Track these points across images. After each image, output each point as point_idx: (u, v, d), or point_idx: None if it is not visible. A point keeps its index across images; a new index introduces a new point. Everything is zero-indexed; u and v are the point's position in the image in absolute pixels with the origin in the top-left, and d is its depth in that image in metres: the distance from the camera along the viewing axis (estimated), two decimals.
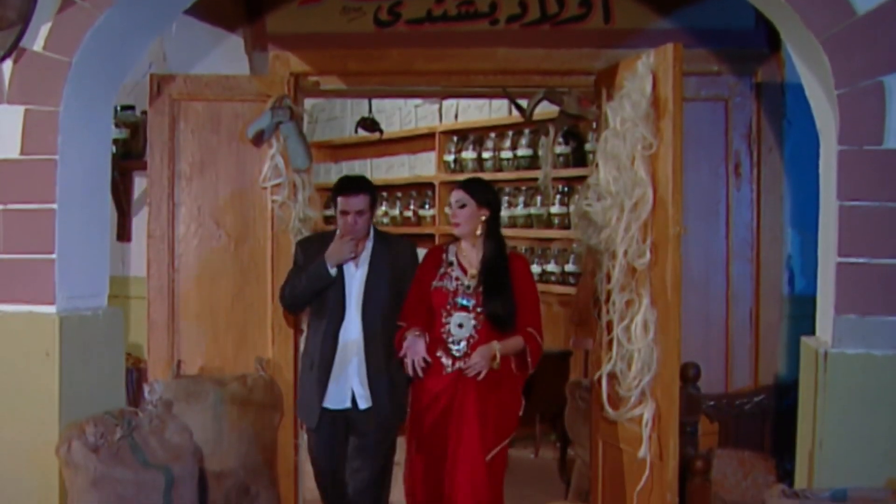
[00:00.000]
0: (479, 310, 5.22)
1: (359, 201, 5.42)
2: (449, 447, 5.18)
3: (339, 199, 5.44)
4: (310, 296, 5.52)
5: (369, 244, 5.53)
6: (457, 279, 5.30)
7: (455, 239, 5.43)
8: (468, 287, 5.26)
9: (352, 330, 5.47)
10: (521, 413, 5.39)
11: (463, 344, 5.21)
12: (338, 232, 5.49)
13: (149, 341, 6.10)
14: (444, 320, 5.26)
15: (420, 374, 5.16)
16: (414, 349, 5.15)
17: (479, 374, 5.09)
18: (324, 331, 5.46)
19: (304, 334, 5.77)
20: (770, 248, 5.90)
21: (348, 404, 5.45)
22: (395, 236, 5.91)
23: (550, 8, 6.00)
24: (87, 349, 4.87)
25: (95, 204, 5.07)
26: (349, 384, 5.45)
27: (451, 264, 5.35)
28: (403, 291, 5.43)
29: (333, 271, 5.43)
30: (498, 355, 5.10)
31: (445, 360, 5.23)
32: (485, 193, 5.36)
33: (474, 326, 5.22)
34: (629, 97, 5.12)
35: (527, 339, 5.22)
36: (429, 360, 5.17)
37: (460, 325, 5.23)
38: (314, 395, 5.45)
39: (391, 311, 5.42)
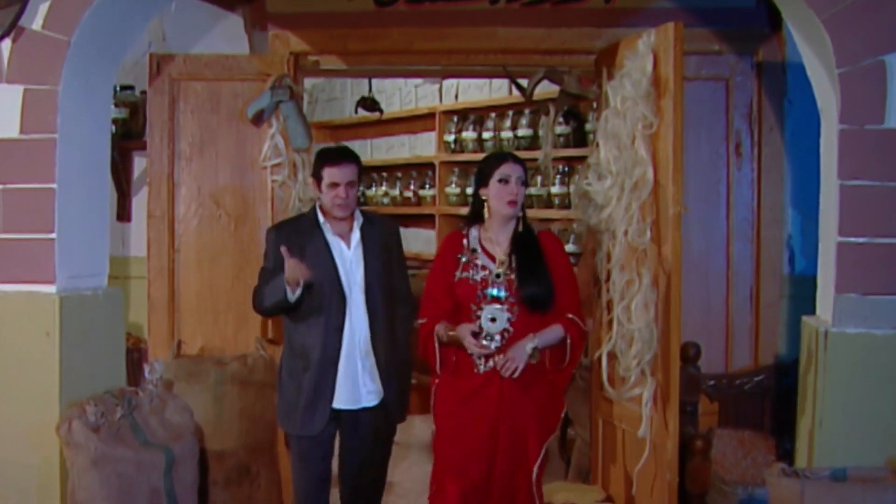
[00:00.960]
0: (512, 300, 4.69)
1: (350, 171, 4.99)
2: (486, 461, 4.73)
3: (328, 171, 4.98)
4: (279, 313, 5.13)
5: (357, 223, 5.09)
6: (483, 268, 4.75)
7: (472, 223, 4.89)
8: (498, 276, 4.72)
9: (357, 320, 5.02)
10: (562, 415, 4.98)
11: (497, 339, 4.68)
12: (316, 211, 5.08)
13: (149, 321, 6.11)
14: (473, 315, 4.72)
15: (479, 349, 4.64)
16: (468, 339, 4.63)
17: (514, 371, 4.61)
18: (324, 325, 4.98)
19: (288, 330, 5.14)
20: (770, 227, 5.91)
21: (364, 403, 5.04)
22: (379, 214, 5.54)
23: None
24: (87, 329, 4.87)
25: (95, 183, 5.07)
26: (360, 380, 5.04)
27: (474, 251, 4.80)
28: (394, 274, 5.14)
29: (294, 296, 4.85)
30: (537, 347, 4.65)
31: (477, 359, 4.73)
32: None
33: (508, 319, 4.69)
34: (630, 76, 5.11)
35: (567, 327, 4.73)
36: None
37: (493, 319, 4.67)
38: (317, 400, 4.99)
39: (390, 295, 5.08)
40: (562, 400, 4.93)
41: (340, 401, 5.01)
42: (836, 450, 4.21)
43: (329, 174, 4.97)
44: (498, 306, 4.68)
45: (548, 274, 4.73)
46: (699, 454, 5.04)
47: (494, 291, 4.71)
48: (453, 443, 4.77)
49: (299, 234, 5.05)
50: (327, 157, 5.04)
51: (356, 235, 5.07)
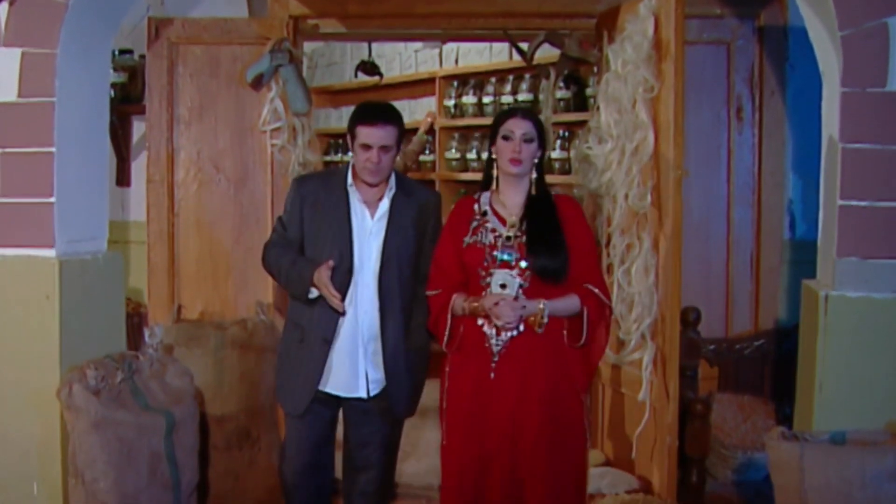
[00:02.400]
0: (523, 264, 4.25)
1: (387, 134, 4.43)
2: (500, 452, 4.30)
3: (362, 130, 4.42)
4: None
5: (389, 192, 4.56)
6: (493, 231, 4.32)
7: (486, 187, 4.47)
8: (508, 238, 4.28)
9: (364, 298, 4.53)
10: (585, 402, 4.41)
11: None
12: (337, 173, 4.62)
13: (149, 286, 6.11)
14: (482, 282, 4.29)
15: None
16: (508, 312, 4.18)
17: (509, 331, 4.22)
18: (323, 300, 4.48)
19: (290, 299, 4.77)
20: (771, 192, 5.90)
21: (362, 392, 4.59)
22: (418, 183, 4.98)
23: None
24: (87, 293, 4.86)
25: (94, 147, 5.04)
26: (361, 367, 4.56)
27: (485, 214, 4.37)
28: (425, 253, 4.55)
29: (313, 294, 4.47)
30: (545, 314, 4.20)
31: (488, 329, 4.26)
32: (544, 130, 4.44)
33: (520, 285, 4.23)
34: (631, 39, 5.09)
35: (584, 298, 4.27)
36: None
37: (503, 286, 4.23)
38: (305, 375, 4.57)
39: (411, 276, 4.57)
40: (580, 383, 4.39)
41: (333, 385, 4.59)
42: (835, 413, 4.22)
43: (362, 134, 4.44)
44: (508, 271, 4.26)
45: (562, 241, 4.29)
46: (699, 418, 5.06)
47: (504, 255, 4.29)
48: (465, 423, 4.35)
49: (320, 187, 4.60)
50: (363, 115, 4.50)
51: (384, 205, 4.56)
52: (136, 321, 6.17)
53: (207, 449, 5.37)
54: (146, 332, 5.43)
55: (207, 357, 5.53)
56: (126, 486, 4.61)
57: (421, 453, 6.24)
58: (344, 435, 4.81)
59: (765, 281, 5.91)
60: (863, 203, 4.19)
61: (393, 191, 4.57)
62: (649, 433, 5.12)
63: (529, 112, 4.46)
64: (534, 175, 4.36)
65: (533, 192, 4.37)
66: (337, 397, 4.62)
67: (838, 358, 4.22)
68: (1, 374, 4.73)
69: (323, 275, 4.39)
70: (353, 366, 4.56)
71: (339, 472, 4.99)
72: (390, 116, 4.49)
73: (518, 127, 4.30)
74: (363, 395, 4.58)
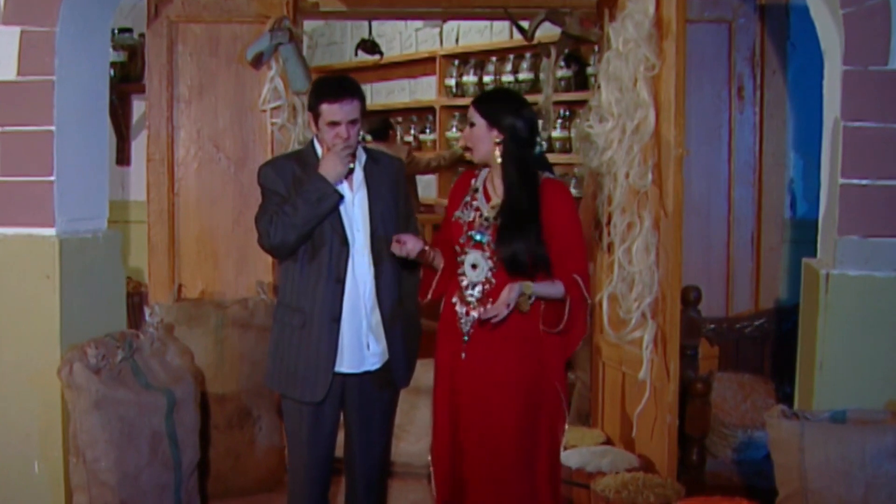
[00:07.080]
0: (494, 246, 4.18)
1: (352, 108, 4.29)
2: (468, 437, 4.29)
3: (327, 107, 4.28)
4: (311, 226, 4.29)
5: (360, 161, 4.45)
6: (477, 210, 4.26)
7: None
8: (486, 219, 4.21)
9: (362, 268, 4.38)
10: (561, 393, 4.31)
11: (478, 289, 4.21)
12: (317, 150, 4.44)
13: (149, 265, 6.11)
14: (458, 259, 4.28)
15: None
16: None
17: (495, 319, 4.08)
18: (325, 274, 4.34)
19: (283, 279, 4.53)
20: (772, 171, 5.90)
21: (368, 366, 4.44)
22: (384, 152, 4.80)
23: None
24: (87, 272, 4.87)
25: (94, 126, 5.04)
26: (364, 339, 4.42)
27: (476, 191, 4.32)
28: (402, 218, 4.51)
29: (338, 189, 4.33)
30: (531, 295, 4.09)
31: (459, 308, 4.26)
32: (499, 111, 4.19)
33: (490, 269, 4.19)
34: (632, 17, 5.06)
35: (569, 287, 4.15)
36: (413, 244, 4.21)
37: (474, 266, 4.20)
38: (318, 360, 4.36)
39: None
40: (556, 369, 4.31)
41: (344, 364, 4.40)
42: (836, 392, 4.22)
43: (328, 111, 4.29)
44: (481, 253, 4.21)
45: (536, 236, 4.14)
46: (699, 397, 5.06)
47: (478, 236, 4.22)
48: (445, 400, 4.38)
49: (300, 171, 4.39)
50: (326, 91, 4.35)
51: (359, 175, 4.43)
52: (136, 300, 6.17)
53: (208, 428, 5.38)
54: (147, 312, 5.44)
55: (208, 336, 5.54)
56: (127, 465, 4.62)
57: (421, 432, 6.25)
58: (344, 414, 4.59)
59: (765, 260, 5.92)
60: (864, 182, 4.19)
61: (363, 159, 4.47)
62: (650, 412, 5.12)
63: (480, 98, 4.38)
64: (498, 159, 4.21)
65: (504, 177, 4.23)
66: (342, 375, 4.43)
67: (839, 337, 4.22)
68: (1, 353, 4.74)
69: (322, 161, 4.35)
70: (359, 340, 4.40)
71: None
72: (353, 90, 4.35)
73: (469, 114, 4.28)
74: (370, 368, 4.44)
